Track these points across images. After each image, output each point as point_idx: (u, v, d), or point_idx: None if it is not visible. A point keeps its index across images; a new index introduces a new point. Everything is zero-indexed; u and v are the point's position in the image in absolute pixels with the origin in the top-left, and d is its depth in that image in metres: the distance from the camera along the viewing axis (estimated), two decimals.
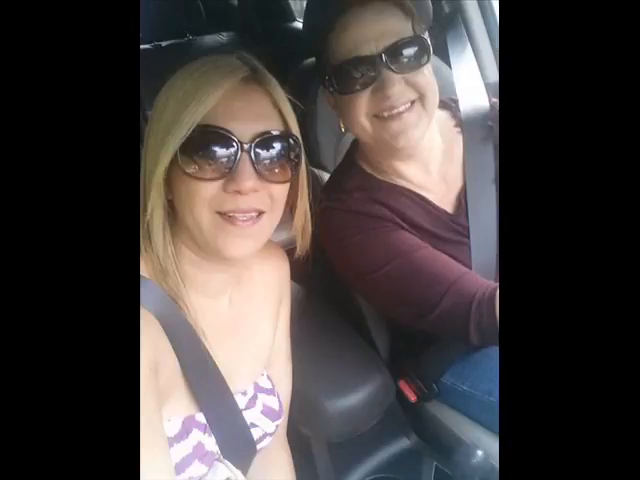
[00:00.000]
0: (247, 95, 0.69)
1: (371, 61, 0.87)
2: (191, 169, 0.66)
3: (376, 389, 1.05)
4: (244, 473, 0.79)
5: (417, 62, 0.89)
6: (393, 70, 0.87)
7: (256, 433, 0.81)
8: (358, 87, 0.89)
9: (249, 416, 0.81)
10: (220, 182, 0.67)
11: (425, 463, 1.17)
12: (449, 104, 1.10)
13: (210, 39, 2.98)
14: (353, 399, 1.02)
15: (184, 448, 0.70)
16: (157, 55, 2.61)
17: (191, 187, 0.67)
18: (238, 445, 0.78)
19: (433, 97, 0.91)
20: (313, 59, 1.06)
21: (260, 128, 0.68)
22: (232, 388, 0.77)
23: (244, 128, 0.67)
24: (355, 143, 1.08)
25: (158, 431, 0.65)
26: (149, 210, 0.67)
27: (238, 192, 0.67)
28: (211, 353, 0.74)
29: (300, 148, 0.73)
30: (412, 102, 0.90)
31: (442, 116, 1.07)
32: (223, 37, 3.00)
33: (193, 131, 0.65)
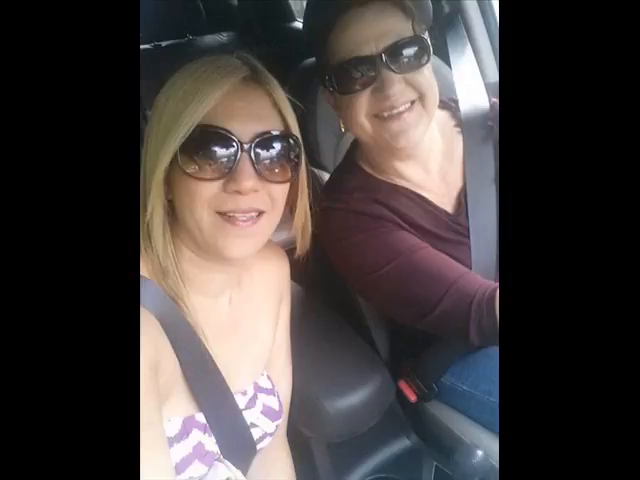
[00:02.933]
0: (247, 95, 0.69)
1: (371, 61, 0.87)
2: (191, 169, 0.66)
3: (376, 389, 1.05)
4: (244, 473, 0.79)
5: (417, 62, 0.89)
6: (393, 70, 0.87)
7: (256, 433, 0.81)
8: (358, 87, 0.89)
9: (249, 416, 0.81)
10: (220, 182, 0.67)
11: (425, 463, 1.17)
12: (449, 104, 1.10)
13: (210, 39, 2.97)
14: (353, 399, 1.02)
15: (184, 448, 0.71)
16: (157, 55, 2.61)
17: (191, 187, 0.67)
18: (238, 445, 0.78)
19: (433, 97, 0.91)
20: (313, 59, 1.06)
21: (260, 128, 0.68)
22: (232, 388, 0.77)
23: (244, 128, 0.67)
24: (355, 143, 1.08)
25: (158, 431, 0.65)
26: (149, 210, 0.67)
27: (238, 192, 0.67)
28: (211, 353, 0.74)
29: (300, 148, 0.73)
30: (412, 102, 0.90)
31: (442, 116, 1.07)
32: (223, 37, 2.99)
33: (193, 131, 0.65)
